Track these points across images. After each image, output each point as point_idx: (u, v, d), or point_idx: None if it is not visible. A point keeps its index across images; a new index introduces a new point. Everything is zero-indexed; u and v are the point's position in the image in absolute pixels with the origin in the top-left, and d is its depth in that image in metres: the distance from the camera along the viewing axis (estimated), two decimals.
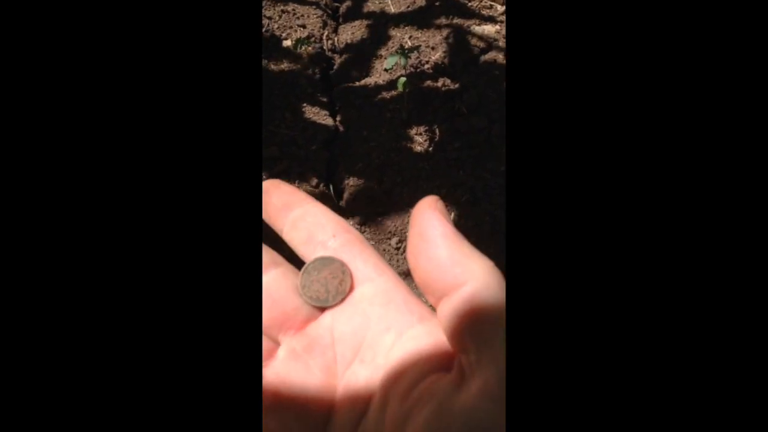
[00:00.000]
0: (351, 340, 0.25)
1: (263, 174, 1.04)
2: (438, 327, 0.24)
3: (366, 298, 0.26)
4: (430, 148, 1.09)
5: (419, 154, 1.09)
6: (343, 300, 0.26)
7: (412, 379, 0.22)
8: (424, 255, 0.23)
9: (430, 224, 0.23)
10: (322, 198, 1.03)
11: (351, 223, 1.02)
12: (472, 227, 1.00)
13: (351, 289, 0.26)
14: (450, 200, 1.03)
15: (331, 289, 0.26)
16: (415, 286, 0.25)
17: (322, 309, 0.26)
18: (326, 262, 0.26)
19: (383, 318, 0.25)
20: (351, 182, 1.06)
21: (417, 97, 1.15)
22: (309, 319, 0.26)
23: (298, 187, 1.03)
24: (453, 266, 0.22)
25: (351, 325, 0.25)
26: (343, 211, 1.04)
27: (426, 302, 0.26)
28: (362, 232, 1.02)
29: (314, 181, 1.05)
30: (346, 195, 1.06)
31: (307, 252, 0.27)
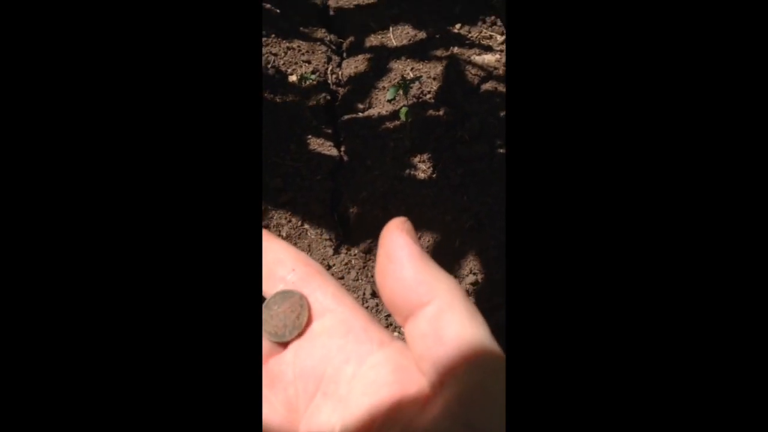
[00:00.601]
0: (312, 374, 0.25)
1: (268, 206, 1.05)
2: (398, 350, 0.24)
3: (326, 330, 0.26)
4: (434, 176, 1.10)
5: (423, 181, 1.10)
6: (300, 334, 0.26)
7: (374, 409, 0.23)
8: (391, 275, 0.23)
9: (397, 245, 0.24)
10: (327, 227, 1.04)
11: (356, 251, 1.03)
12: (477, 253, 1.00)
13: (309, 322, 0.26)
14: (454, 226, 1.04)
15: (288, 323, 0.26)
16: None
17: (284, 344, 0.26)
18: (286, 296, 0.26)
19: (343, 348, 0.25)
20: (355, 211, 1.07)
21: (419, 126, 1.17)
22: (270, 355, 0.26)
23: (303, 217, 1.05)
24: (418, 286, 0.23)
25: (312, 358, 0.25)
26: (349, 240, 1.05)
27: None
28: (367, 261, 1.02)
29: (319, 211, 1.06)
30: (351, 224, 1.07)
31: (268, 288, 0.27)
